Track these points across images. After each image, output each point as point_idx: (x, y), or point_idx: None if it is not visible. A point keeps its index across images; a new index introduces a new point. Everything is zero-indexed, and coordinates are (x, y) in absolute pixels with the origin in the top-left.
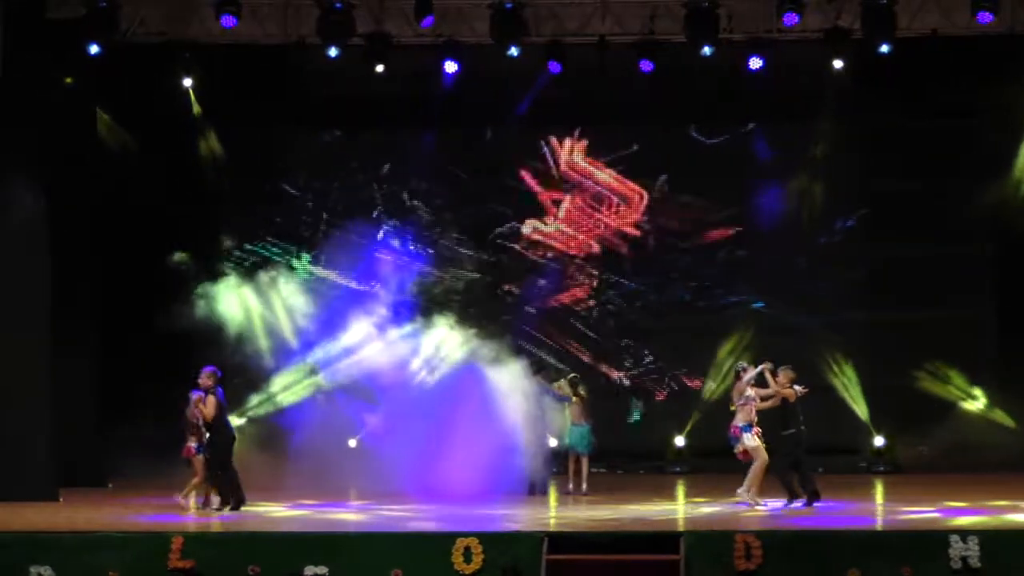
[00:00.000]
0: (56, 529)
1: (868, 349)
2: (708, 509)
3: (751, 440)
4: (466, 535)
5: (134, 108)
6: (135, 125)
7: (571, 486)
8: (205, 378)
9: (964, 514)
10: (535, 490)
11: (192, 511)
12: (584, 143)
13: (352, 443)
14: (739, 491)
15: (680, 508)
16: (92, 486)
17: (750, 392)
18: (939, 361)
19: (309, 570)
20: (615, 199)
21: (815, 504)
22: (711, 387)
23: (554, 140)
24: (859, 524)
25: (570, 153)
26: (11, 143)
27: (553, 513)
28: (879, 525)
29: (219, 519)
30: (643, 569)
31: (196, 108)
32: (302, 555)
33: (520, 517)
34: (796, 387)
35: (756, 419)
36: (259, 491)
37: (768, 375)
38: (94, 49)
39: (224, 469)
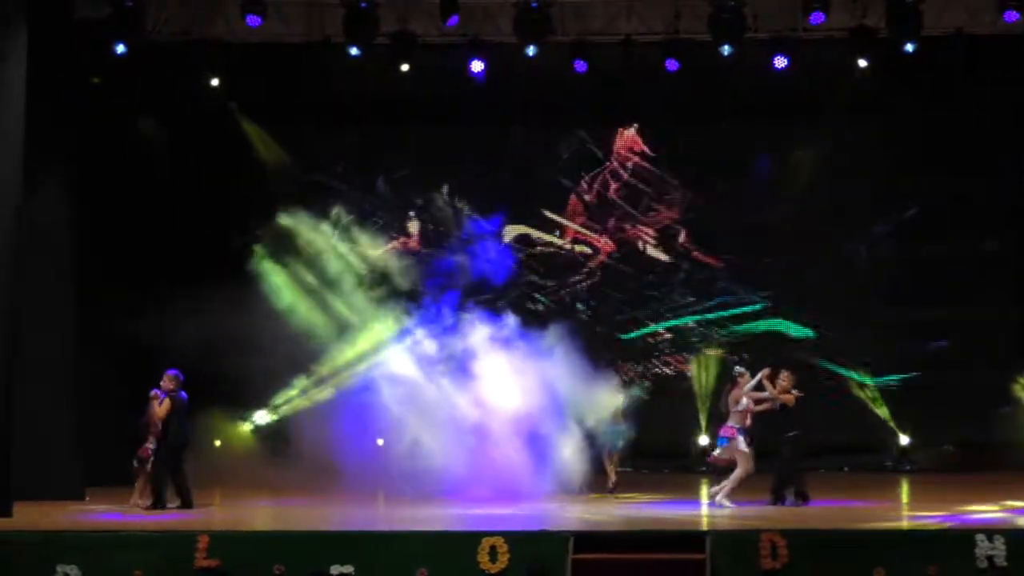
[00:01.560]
0: (82, 528)
1: (892, 348)
2: (733, 508)
3: (744, 445)
4: (492, 534)
5: (160, 107)
6: (161, 124)
7: (611, 484)
8: (167, 381)
9: (990, 513)
10: (580, 490)
11: (141, 510)
12: (617, 140)
13: (380, 442)
14: (714, 491)
15: (705, 507)
16: (118, 485)
17: (745, 401)
18: (966, 359)
19: (335, 569)
20: (648, 197)
21: (804, 504)
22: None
23: (585, 136)
24: (885, 523)
25: (601, 150)
26: (39, 143)
27: (579, 512)
28: (905, 524)
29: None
30: (668, 568)
31: (223, 106)
32: (327, 554)
33: (546, 516)
34: (795, 391)
35: (750, 425)
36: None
37: (766, 381)
38: (120, 48)
39: (173, 472)
